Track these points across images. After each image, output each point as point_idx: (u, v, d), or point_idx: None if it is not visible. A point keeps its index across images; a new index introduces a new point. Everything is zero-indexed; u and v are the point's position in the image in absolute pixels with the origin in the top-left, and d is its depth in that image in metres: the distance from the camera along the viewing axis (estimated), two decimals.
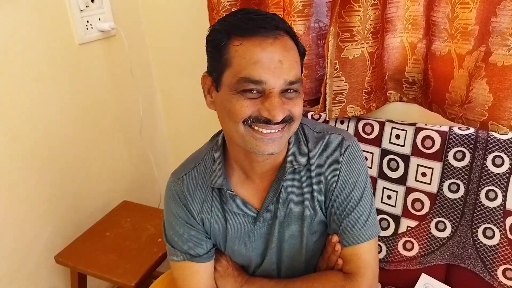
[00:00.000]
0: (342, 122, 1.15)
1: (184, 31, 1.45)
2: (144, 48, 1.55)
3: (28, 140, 1.21)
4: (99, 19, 1.32)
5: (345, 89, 1.09)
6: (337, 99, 1.10)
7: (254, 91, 0.68)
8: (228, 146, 0.81)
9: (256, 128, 0.70)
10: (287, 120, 0.71)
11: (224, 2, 1.12)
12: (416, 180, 1.05)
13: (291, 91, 0.70)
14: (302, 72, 0.75)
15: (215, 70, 0.72)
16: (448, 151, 1.00)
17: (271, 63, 0.67)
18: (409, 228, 1.08)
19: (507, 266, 0.97)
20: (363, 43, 1.03)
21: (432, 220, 1.05)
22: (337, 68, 1.06)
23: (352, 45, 1.03)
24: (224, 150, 0.83)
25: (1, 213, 1.17)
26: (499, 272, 0.98)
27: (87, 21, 1.29)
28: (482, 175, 0.98)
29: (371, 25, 1.00)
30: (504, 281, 0.98)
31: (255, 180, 0.82)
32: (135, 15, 1.49)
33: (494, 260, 0.99)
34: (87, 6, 1.27)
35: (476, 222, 1.00)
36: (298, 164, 0.79)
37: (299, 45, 0.74)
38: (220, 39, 0.70)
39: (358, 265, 0.79)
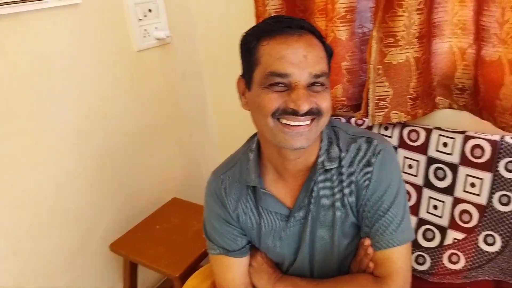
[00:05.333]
0: (386, 128, 1.13)
1: (233, 39, 1.50)
2: (196, 55, 1.64)
3: (92, 137, 1.34)
4: (156, 28, 1.43)
5: (389, 95, 1.07)
6: (380, 104, 1.09)
7: (281, 85, 0.71)
8: (262, 145, 0.85)
9: (284, 121, 0.72)
10: (315, 113, 0.73)
11: (269, 9, 1.16)
12: (464, 190, 1.01)
13: (318, 84, 0.72)
14: (329, 71, 0.76)
15: (247, 72, 0.77)
16: (499, 161, 0.95)
17: (296, 57, 0.70)
18: (455, 241, 1.03)
19: None
20: (407, 48, 1.01)
21: (480, 233, 1.00)
22: (381, 73, 1.05)
23: (396, 50, 1.02)
24: (259, 151, 0.87)
25: (65, 202, 1.30)
26: None
27: (145, 30, 1.40)
28: None
29: (416, 29, 0.99)
30: None
31: (287, 180, 0.84)
32: (189, 25, 1.58)
33: None
34: (145, 16, 1.38)
35: None
36: (329, 165, 0.80)
37: (325, 45, 0.76)
38: (251, 42, 0.75)
39: (389, 270, 0.78)
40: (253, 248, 0.93)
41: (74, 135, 1.29)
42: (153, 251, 1.30)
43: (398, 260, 0.78)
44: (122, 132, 1.43)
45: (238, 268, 0.90)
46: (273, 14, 1.17)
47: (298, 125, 0.72)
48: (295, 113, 0.71)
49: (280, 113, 0.72)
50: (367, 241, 0.81)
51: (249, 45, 0.75)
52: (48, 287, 1.29)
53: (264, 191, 0.84)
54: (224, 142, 1.80)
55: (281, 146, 0.74)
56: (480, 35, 0.97)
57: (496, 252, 0.98)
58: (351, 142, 0.82)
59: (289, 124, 0.72)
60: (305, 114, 0.71)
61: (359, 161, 0.80)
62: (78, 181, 1.32)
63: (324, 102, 0.73)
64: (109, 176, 1.41)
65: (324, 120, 0.75)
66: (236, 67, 1.57)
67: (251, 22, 1.25)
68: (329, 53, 0.77)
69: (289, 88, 0.72)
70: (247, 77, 0.78)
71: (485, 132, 1.00)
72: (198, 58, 1.65)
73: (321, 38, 0.76)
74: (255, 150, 0.86)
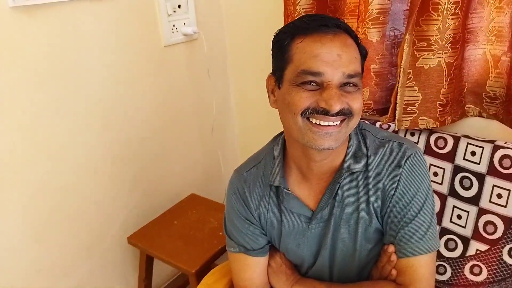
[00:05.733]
0: (412, 134, 1.11)
1: (260, 38, 1.51)
2: (222, 52, 1.64)
3: (115, 129, 1.35)
4: (184, 23, 1.44)
5: (418, 100, 1.06)
6: (408, 109, 1.07)
7: (313, 83, 0.70)
8: (287, 145, 0.84)
9: (314, 121, 0.71)
10: (346, 114, 0.71)
11: (299, 9, 1.15)
12: (490, 201, 0.99)
13: (350, 85, 0.71)
14: (362, 72, 0.75)
15: (278, 69, 0.76)
16: None
17: (329, 56, 0.69)
18: (478, 252, 1.01)
19: None
20: (440, 53, 0.99)
21: (505, 245, 0.97)
22: (411, 77, 1.04)
23: (428, 54, 1.00)
24: (284, 150, 0.86)
25: (85, 192, 1.31)
26: None
27: (173, 25, 1.40)
28: None
29: (450, 34, 0.97)
30: None
31: (312, 181, 0.83)
32: (217, 22, 1.59)
33: None
34: (174, 11, 1.39)
35: None
36: (356, 169, 0.79)
37: (360, 46, 0.75)
38: (284, 39, 0.74)
39: (413, 278, 0.76)
40: (272, 249, 0.93)
41: (97, 126, 1.30)
42: (170, 246, 1.30)
43: (422, 268, 0.77)
44: (145, 126, 1.44)
45: (257, 268, 0.90)
46: (302, 14, 1.16)
47: (328, 125, 0.71)
48: (326, 113, 0.70)
49: (311, 112, 0.71)
50: (391, 248, 0.80)
51: (283, 42, 0.74)
52: (64, 274, 1.31)
53: (288, 191, 0.83)
54: (245, 140, 1.80)
55: (309, 145, 0.73)
56: None
57: None
58: (379, 146, 0.80)
59: (319, 124, 0.71)
60: (336, 114, 0.70)
61: (387, 166, 0.78)
62: (98, 172, 1.33)
63: (356, 103, 0.72)
64: (130, 168, 1.42)
65: (354, 122, 0.74)
66: (261, 67, 1.57)
67: (280, 22, 1.25)
68: (363, 54, 0.76)
69: (321, 87, 0.71)
70: (278, 75, 0.77)
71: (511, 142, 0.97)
72: (224, 56, 1.65)
73: (356, 38, 0.74)
74: (281, 150, 0.86)
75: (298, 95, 0.71)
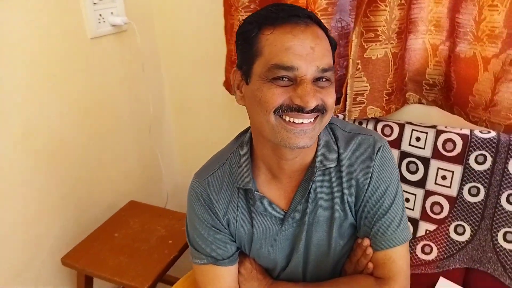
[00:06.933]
0: (360, 123, 1.13)
1: (196, 28, 1.42)
2: (155, 44, 1.52)
3: (39, 136, 1.17)
4: (112, 13, 1.28)
5: (366, 90, 1.07)
6: (357, 100, 1.08)
7: (286, 79, 0.66)
8: (255, 144, 0.79)
9: (287, 119, 0.67)
10: (320, 110, 0.68)
11: None
12: (435, 183, 1.05)
13: (324, 79, 0.68)
14: (333, 64, 0.73)
15: (245, 63, 0.70)
16: (470, 155, 1.00)
17: (302, 49, 0.65)
18: (427, 232, 1.07)
19: None
20: (387, 44, 1.01)
21: (451, 223, 1.04)
22: (359, 68, 1.05)
23: (376, 45, 1.02)
24: (251, 150, 0.81)
25: (8, 210, 1.13)
26: None
27: (100, 15, 1.25)
28: (504, 179, 0.97)
29: (396, 25, 0.99)
30: None
31: (282, 180, 0.79)
32: (147, 11, 1.46)
33: None
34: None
35: (496, 226, 0.99)
36: (328, 165, 0.77)
37: (330, 38, 0.72)
38: (251, 30, 0.68)
39: (392, 270, 0.77)
40: (241, 255, 0.87)
41: (20, 133, 1.12)
42: (113, 262, 1.17)
43: (399, 260, 0.78)
44: (74, 129, 1.27)
45: (228, 277, 0.84)
46: (246, 3, 1.10)
47: (302, 123, 0.67)
48: (300, 110, 0.66)
49: (284, 110, 0.66)
50: (366, 241, 0.79)
51: (249, 34, 0.68)
52: None
53: (258, 193, 0.78)
54: (182, 139, 1.70)
55: (282, 144, 0.69)
56: (454, 32, 1.00)
57: (466, 241, 1.03)
58: (349, 139, 0.79)
59: (293, 122, 0.67)
60: (311, 111, 0.67)
61: (359, 159, 0.77)
62: (21, 186, 1.15)
63: (330, 98, 0.69)
64: (59, 178, 1.25)
65: (327, 118, 0.71)
66: (198, 58, 1.48)
67: (218, 12, 1.18)
68: (334, 45, 0.73)
69: (294, 82, 0.66)
70: (244, 69, 0.70)
71: (452, 126, 1.03)
72: (156, 48, 1.52)
73: (326, 30, 0.71)
74: (247, 149, 0.80)
75: (270, 91, 0.66)
